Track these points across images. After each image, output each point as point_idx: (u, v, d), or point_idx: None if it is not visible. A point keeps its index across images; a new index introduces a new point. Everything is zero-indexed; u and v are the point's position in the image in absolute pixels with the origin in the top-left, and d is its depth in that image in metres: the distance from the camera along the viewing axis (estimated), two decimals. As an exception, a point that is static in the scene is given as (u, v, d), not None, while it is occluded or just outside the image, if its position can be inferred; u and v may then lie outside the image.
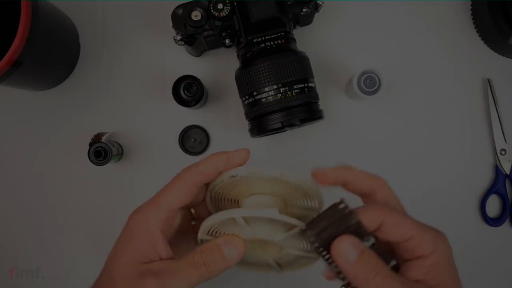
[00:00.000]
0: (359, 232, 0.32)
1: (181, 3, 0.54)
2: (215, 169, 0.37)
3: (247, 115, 0.55)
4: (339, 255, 0.31)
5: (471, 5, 0.62)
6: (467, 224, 0.62)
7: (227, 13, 0.53)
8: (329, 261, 0.32)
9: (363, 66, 0.56)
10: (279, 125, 0.52)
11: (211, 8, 0.53)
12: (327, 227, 0.31)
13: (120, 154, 0.60)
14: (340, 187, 0.37)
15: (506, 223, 0.61)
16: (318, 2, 0.55)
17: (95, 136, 0.60)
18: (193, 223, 0.44)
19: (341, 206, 0.32)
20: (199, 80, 0.57)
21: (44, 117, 0.62)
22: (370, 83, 0.56)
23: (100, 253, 0.61)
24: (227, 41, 0.54)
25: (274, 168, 0.35)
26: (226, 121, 0.62)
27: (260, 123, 0.53)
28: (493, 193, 0.61)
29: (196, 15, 0.52)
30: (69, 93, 0.62)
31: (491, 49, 0.62)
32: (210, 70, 0.62)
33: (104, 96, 0.62)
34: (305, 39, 0.60)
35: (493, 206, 0.62)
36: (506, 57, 0.61)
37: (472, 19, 0.62)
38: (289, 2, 0.54)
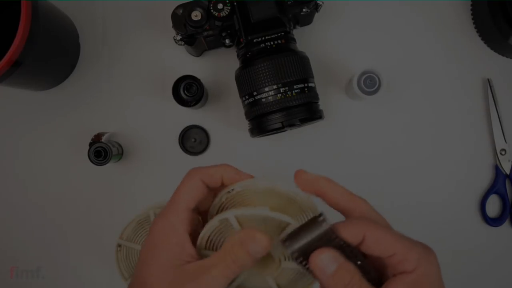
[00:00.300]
0: (344, 246, 0.32)
1: (181, 3, 0.54)
2: (221, 177, 0.37)
3: (247, 115, 0.55)
4: (317, 266, 0.31)
5: (471, 5, 0.62)
6: (467, 224, 0.62)
7: (227, 13, 0.53)
8: (309, 271, 0.32)
9: (363, 66, 0.56)
10: (279, 125, 0.52)
11: (211, 8, 0.53)
12: (307, 239, 0.31)
13: (120, 154, 0.60)
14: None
15: (506, 223, 0.61)
16: (318, 2, 0.55)
17: (95, 136, 0.60)
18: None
19: (320, 219, 0.32)
20: (199, 80, 0.57)
21: (44, 117, 0.62)
22: (370, 83, 0.56)
23: (100, 253, 0.62)
24: (227, 41, 0.54)
25: (266, 180, 0.35)
26: (226, 121, 0.62)
27: (260, 123, 0.53)
28: (493, 193, 0.61)
29: (196, 15, 0.52)
30: (69, 93, 0.62)
31: (491, 49, 0.62)
32: (210, 70, 0.62)
33: (104, 96, 0.62)
34: (305, 39, 0.60)
35: (493, 206, 0.62)
36: (506, 57, 0.61)
37: (472, 19, 0.62)
38: (289, 2, 0.53)
